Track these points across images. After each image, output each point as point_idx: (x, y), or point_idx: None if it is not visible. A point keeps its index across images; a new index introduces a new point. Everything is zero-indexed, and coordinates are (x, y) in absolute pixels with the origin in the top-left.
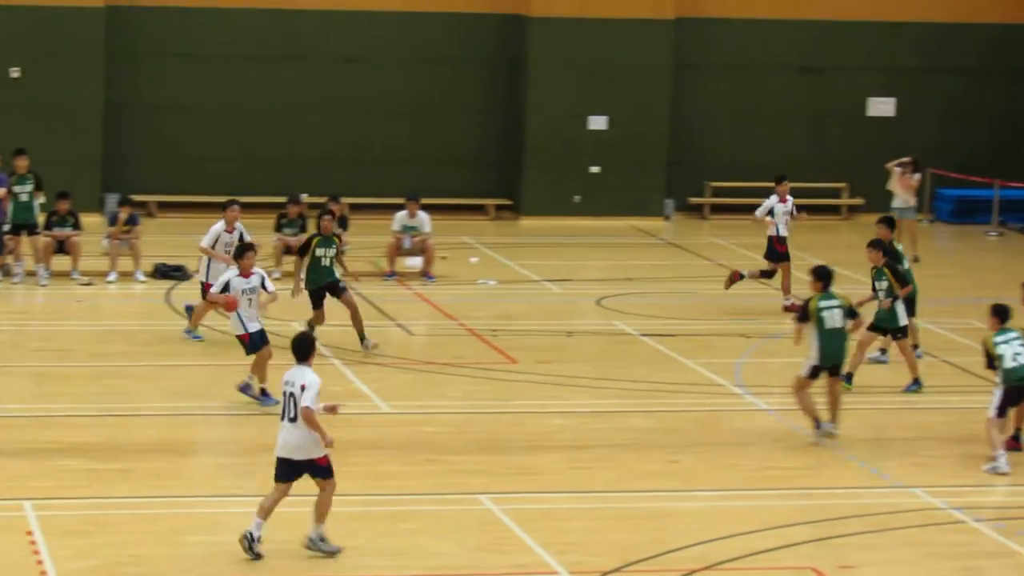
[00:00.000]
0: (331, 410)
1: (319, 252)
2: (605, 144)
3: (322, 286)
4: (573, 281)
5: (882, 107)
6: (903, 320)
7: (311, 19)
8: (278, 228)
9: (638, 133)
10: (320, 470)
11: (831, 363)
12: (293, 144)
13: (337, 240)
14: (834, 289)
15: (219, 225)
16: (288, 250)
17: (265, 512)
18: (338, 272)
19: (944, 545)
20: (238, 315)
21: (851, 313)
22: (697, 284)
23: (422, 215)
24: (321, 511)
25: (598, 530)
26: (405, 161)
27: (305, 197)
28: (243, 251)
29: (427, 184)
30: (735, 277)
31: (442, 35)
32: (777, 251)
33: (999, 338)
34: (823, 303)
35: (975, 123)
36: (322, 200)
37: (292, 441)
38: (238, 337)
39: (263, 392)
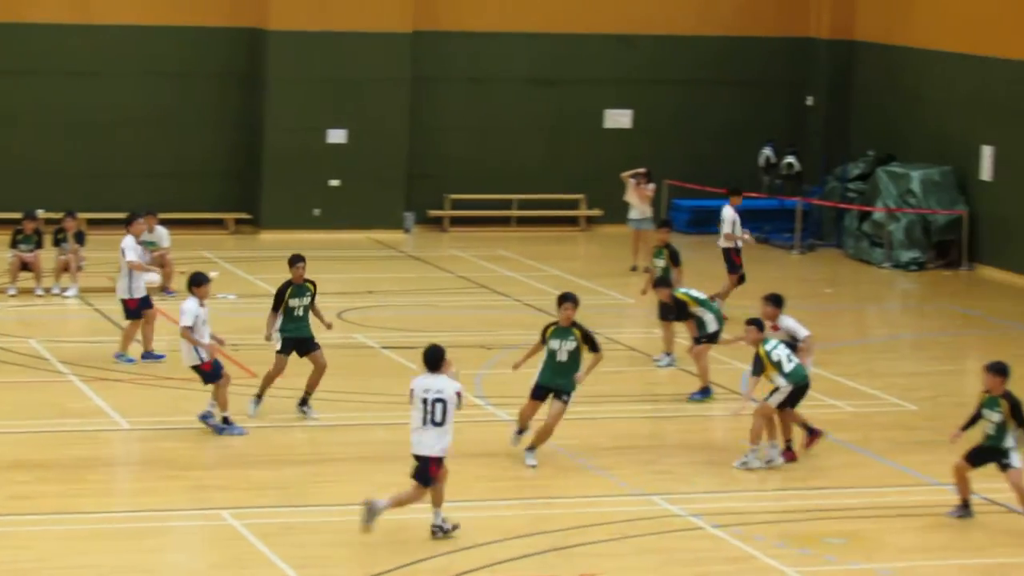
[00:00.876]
0: None
1: (292, 303)
2: (345, 157)
3: (293, 339)
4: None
5: (618, 119)
6: (711, 327)
7: (43, 32)
8: (13, 244)
9: (377, 146)
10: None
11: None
12: (28, 158)
13: (311, 287)
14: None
15: (129, 239)
16: (24, 266)
17: (398, 502)
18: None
19: (682, 552)
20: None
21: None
22: (438, 297)
23: (160, 229)
24: (437, 498)
25: (341, 543)
26: (142, 175)
27: (41, 213)
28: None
29: (165, 198)
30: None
31: (180, 49)
32: (735, 263)
33: (768, 347)
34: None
35: (709, 134)
36: (59, 216)
37: (428, 441)
38: (195, 368)
39: (225, 420)
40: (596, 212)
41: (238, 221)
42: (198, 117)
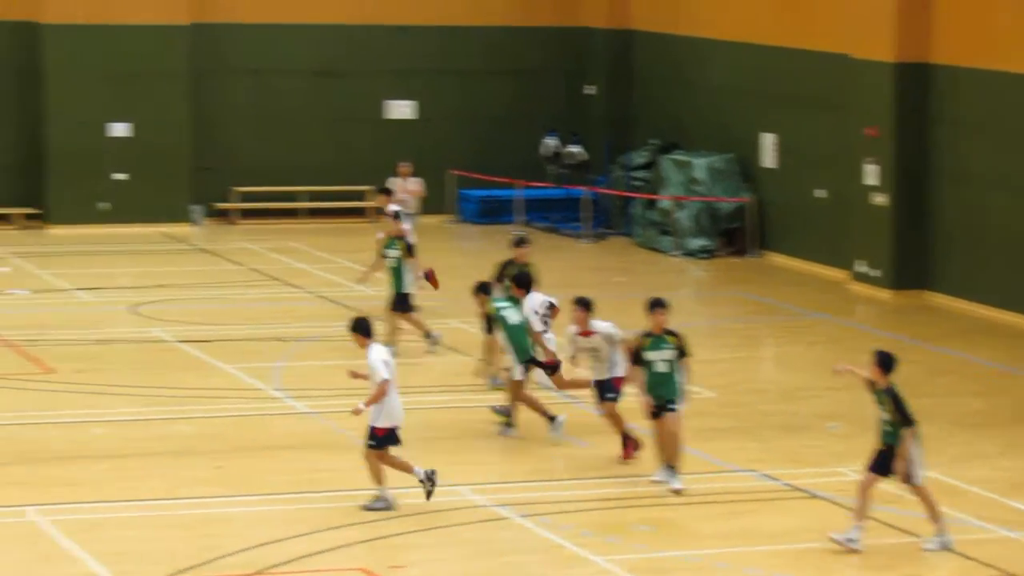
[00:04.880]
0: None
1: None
2: (128, 151)
3: None
4: (105, 289)
5: (402, 110)
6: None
7: None
8: None
9: (160, 139)
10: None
11: None
12: None
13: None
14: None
15: None
16: None
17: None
18: None
19: (489, 542)
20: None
21: None
22: (230, 289)
23: None
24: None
25: (148, 538)
26: None
27: None
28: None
29: None
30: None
31: None
32: None
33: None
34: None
35: (491, 124)
36: None
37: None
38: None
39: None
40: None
41: (27, 216)
42: None
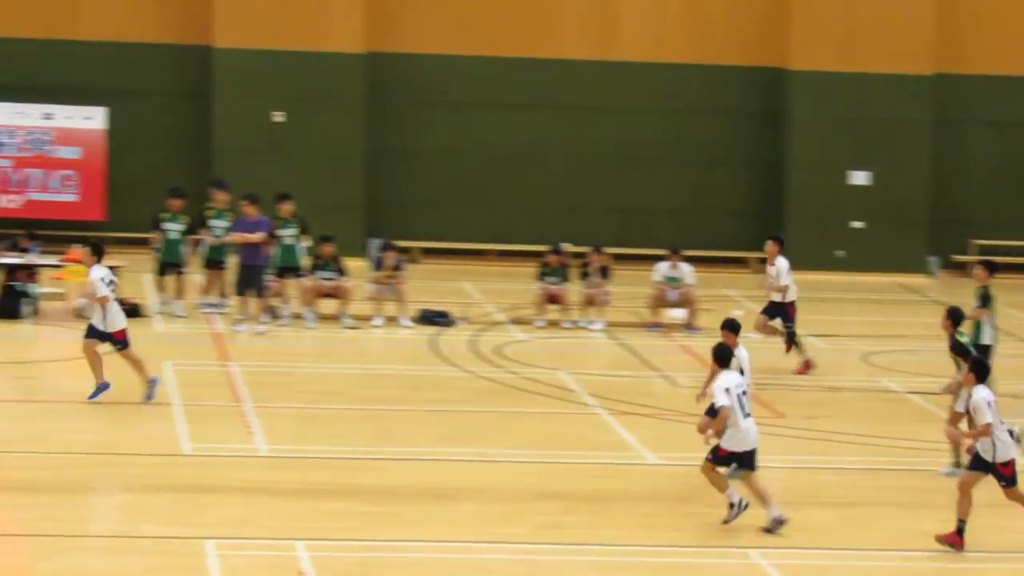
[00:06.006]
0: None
1: None
2: (866, 199)
3: None
4: (838, 337)
5: None
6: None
7: (571, 68)
8: (540, 277)
9: (899, 188)
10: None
11: None
12: (555, 193)
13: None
14: None
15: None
16: (551, 299)
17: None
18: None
19: None
20: None
21: None
22: None
23: (684, 266)
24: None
25: None
26: (665, 212)
27: (568, 247)
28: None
29: (687, 236)
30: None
31: (701, 86)
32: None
33: None
34: None
35: None
36: (585, 250)
37: (755, 432)
38: None
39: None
40: None
41: (762, 260)
42: (719, 155)
